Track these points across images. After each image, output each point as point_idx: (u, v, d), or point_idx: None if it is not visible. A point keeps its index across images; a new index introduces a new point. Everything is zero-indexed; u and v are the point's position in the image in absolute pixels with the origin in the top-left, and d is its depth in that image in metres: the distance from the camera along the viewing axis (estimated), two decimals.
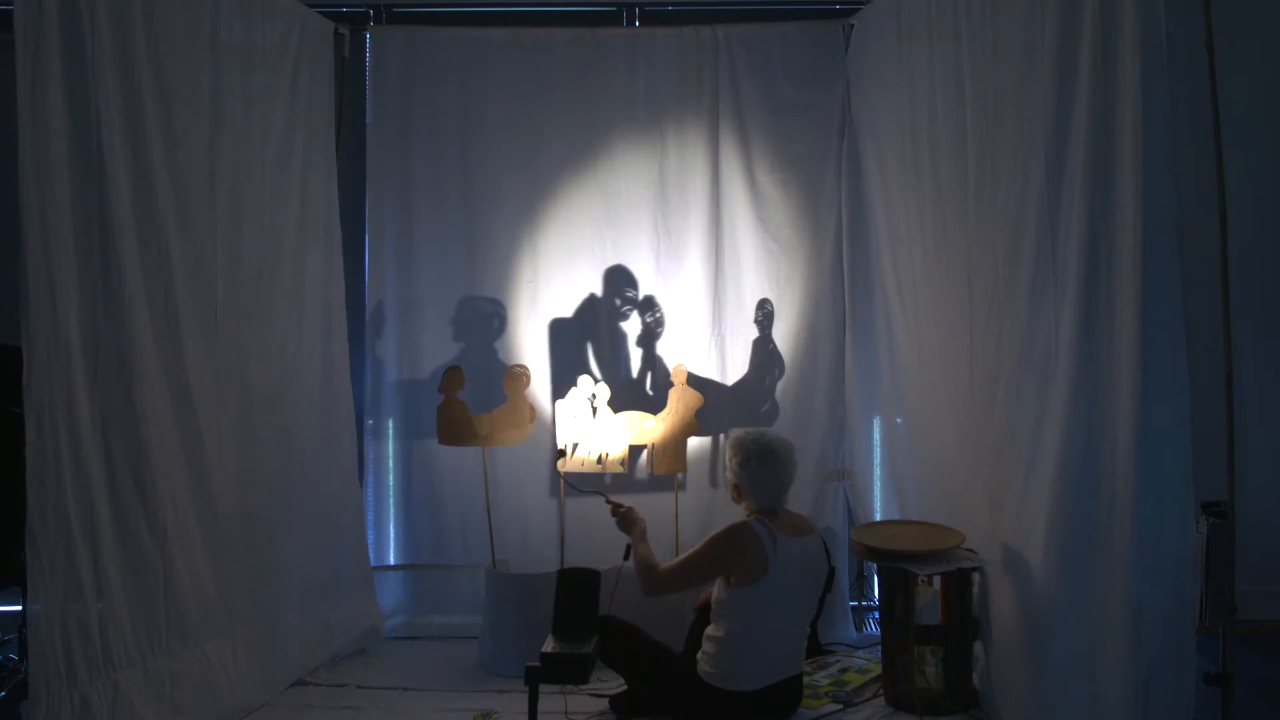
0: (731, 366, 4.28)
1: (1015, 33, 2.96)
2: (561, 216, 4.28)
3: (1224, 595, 2.66)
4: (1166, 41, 2.46)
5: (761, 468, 3.02)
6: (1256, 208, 4.02)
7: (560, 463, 3.89)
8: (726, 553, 2.95)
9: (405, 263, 4.27)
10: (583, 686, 3.20)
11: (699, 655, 3.04)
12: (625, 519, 3.25)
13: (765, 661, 2.97)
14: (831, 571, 3.99)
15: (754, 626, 2.93)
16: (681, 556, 3.08)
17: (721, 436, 4.18)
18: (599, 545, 4.14)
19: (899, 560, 3.18)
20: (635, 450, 4.00)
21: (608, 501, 3.31)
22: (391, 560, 4.32)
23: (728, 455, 3.12)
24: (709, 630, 3.03)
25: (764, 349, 4.28)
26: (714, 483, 4.24)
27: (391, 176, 4.27)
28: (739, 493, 3.10)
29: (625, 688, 3.24)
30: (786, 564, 2.92)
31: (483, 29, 4.31)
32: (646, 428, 3.96)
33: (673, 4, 4.56)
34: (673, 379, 4.03)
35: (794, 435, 4.02)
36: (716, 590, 3.03)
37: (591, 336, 4.27)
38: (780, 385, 4.26)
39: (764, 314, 4.27)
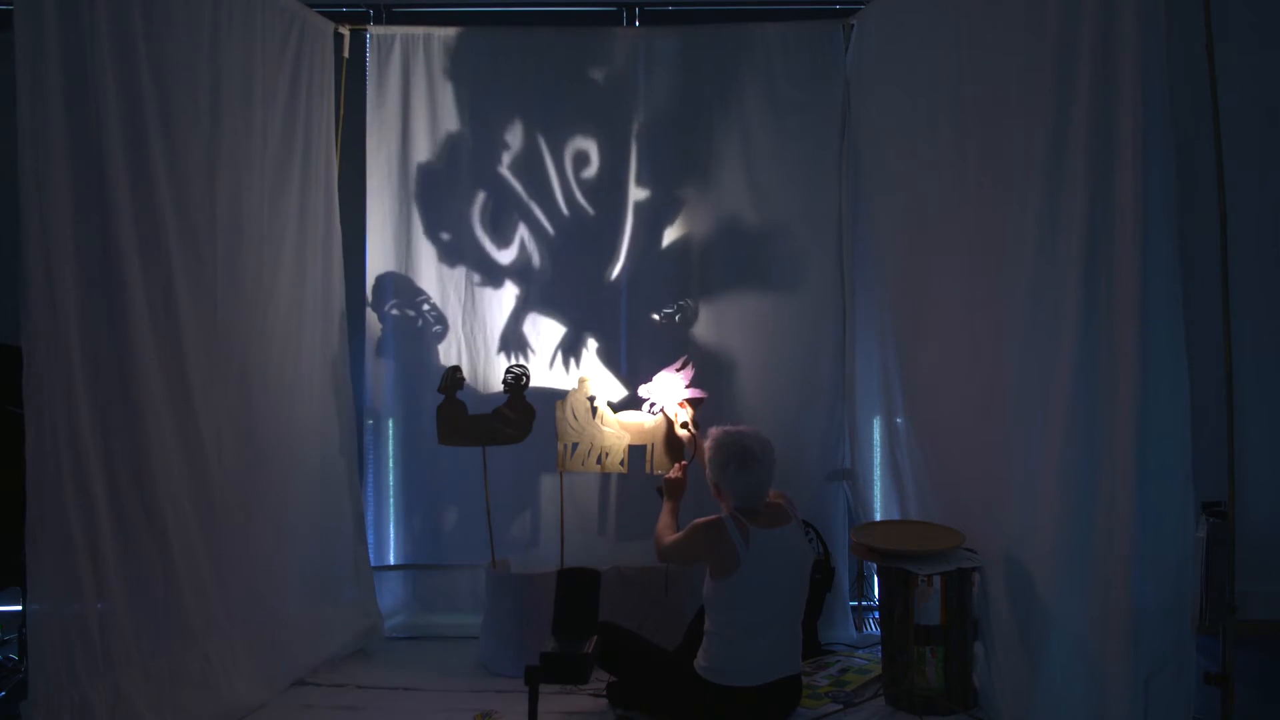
0: (728, 365, 4.27)
1: (1015, 32, 2.96)
2: (561, 215, 4.27)
3: (1224, 595, 2.65)
4: (1166, 42, 2.46)
5: (740, 471, 3.05)
6: (1256, 207, 4.01)
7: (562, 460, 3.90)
8: (698, 544, 3.06)
9: (405, 262, 4.26)
10: (583, 686, 3.20)
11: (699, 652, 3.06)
12: (673, 486, 3.49)
13: (757, 654, 2.98)
14: (831, 571, 4.00)
15: (739, 617, 2.97)
16: (674, 536, 3.21)
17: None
18: (599, 545, 4.16)
19: (899, 560, 3.18)
20: (635, 450, 4.00)
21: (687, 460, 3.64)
22: (391, 560, 4.32)
23: (708, 455, 3.14)
24: (704, 625, 3.07)
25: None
26: None
27: (391, 176, 4.26)
28: (719, 491, 3.15)
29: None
30: (762, 557, 2.96)
31: (483, 29, 4.30)
32: (646, 428, 3.95)
33: (673, 4, 4.55)
34: None
35: (794, 435, 4.07)
36: (705, 583, 3.07)
37: (592, 336, 4.27)
38: (781, 385, 4.26)
39: None
